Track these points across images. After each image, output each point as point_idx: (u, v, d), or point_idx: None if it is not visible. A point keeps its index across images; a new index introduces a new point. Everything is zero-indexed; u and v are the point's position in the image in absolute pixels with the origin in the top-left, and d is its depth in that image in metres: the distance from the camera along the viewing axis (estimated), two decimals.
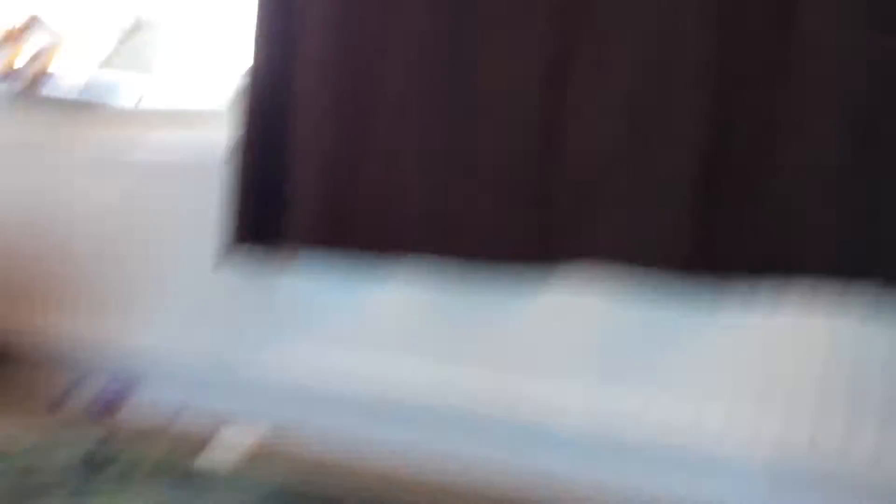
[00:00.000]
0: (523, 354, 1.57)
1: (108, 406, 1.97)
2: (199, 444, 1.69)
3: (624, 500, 1.48)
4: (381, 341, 1.70)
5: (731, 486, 1.41)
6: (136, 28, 2.20)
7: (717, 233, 1.37)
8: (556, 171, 1.50)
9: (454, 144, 1.58)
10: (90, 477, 1.50)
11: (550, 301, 1.55)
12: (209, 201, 1.84)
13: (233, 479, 1.53)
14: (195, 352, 1.89)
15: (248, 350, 1.83)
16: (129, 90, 2.13)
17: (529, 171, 1.52)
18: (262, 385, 1.83)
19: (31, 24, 2.29)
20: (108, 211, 1.98)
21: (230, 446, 1.66)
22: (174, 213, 1.91)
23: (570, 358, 1.53)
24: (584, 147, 1.48)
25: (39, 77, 2.22)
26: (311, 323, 1.77)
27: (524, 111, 1.52)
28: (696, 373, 1.42)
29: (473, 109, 1.56)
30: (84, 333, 2.01)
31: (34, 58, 2.23)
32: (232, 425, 1.81)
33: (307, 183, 1.68)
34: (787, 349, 1.36)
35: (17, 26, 2.30)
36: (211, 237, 1.85)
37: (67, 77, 2.23)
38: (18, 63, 2.28)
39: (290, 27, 1.72)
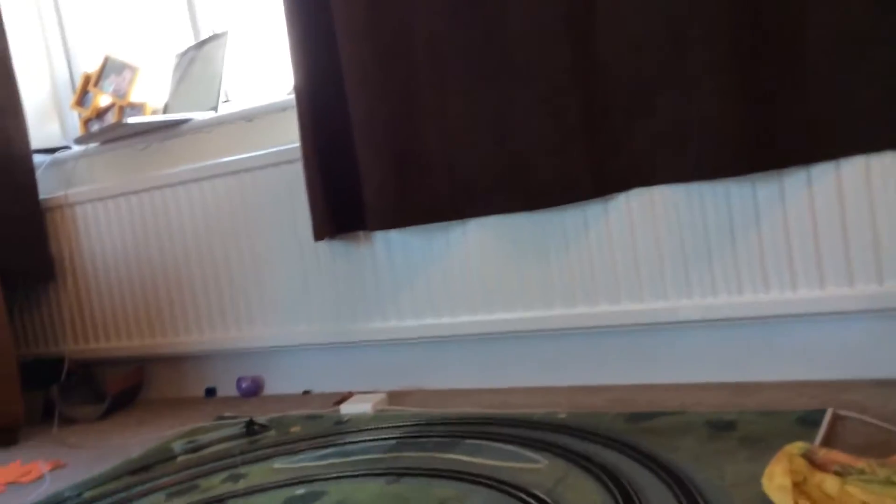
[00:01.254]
0: (602, 279, 1.71)
1: (248, 392, 2.22)
2: (335, 404, 1.91)
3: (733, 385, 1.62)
4: (465, 291, 1.86)
5: (834, 337, 1.53)
6: (202, 44, 2.38)
7: (768, 127, 1.48)
8: (597, 105, 1.62)
9: (496, 101, 1.71)
10: (254, 441, 1.74)
11: (619, 224, 1.68)
12: (297, 194, 2.02)
13: (375, 421, 1.74)
14: (308, 331, 2.09)
15: (355, 321, 2.02)
16: (206, 102, 2.32)
17: (570, 111, 1.63)
18: (371, 347, 2.03)
19: (106, 64, 2.51)
20: (208, 221, 2.19)
21: (362, 404, 1.86)
22: (265, 211, 2.10)
23: (651, 276, 1.66)
24: (620, 73, 1.59)
25: (123, 110, 2.45)
26: (401, 285, 1.95)
27: (556, 55, 1.63)
28: (776, 255, 1.54)
29: (508, 63, 1.68)
30: (215, 337, 2.24)
31: (115, 93, 2.45)
32: (360, 385, 2.02)
33: (372, 168, 1.83)
34: (857, 214, 1.46)
35: (95, 70, 2.52)
36: (303, 229, 2.04)
37: (148, 103, 2.45)
38: (103, 102, 2.51)
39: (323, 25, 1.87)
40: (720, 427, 1.37)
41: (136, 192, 2.28)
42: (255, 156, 2.10)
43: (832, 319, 1.52)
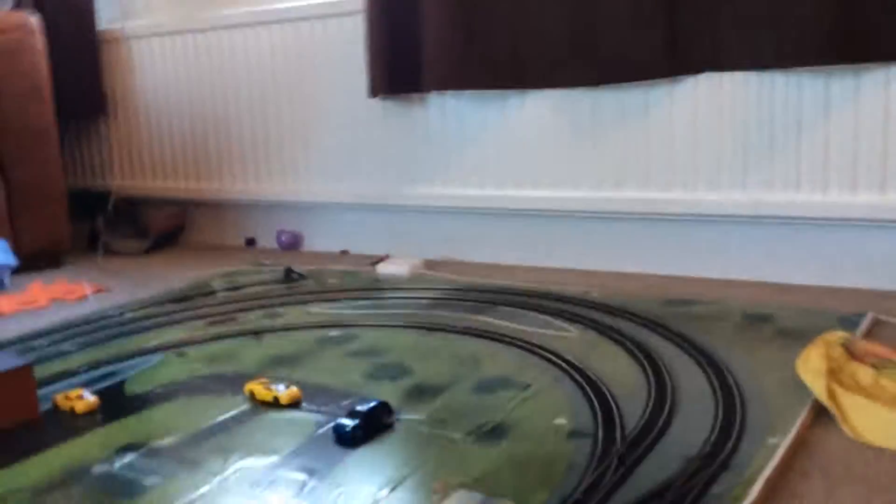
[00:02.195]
0: (657, 164, 1.67)
1: (287, 245, 2.25)
2: (372, 264, 1.93)
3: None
4: (516, 164, 1.84)
5: (885, 245, 1.51)
6: None
7: (851, 23, 1.40)
8: None
9: None
10: (291, 287, 1.77)
11: (682, 109, 1.63)
12: (354, 48, 1.99)
13: (411, 282, 1.76)
14: (353, 191, 2.10)
15: (400, 185, 2.02)
16: None
17: None
18: (417, 214, 2.03)
19: None
20: (264, 68, 2.17)
21: (399, 266, 1.88)
22: (321, 63, 2.08)
23: (708, 166, 1.62)
24: None
25: None
26: (454, 152, 1.93)
27: None
28: (841, 156, 1.49)
29: None
30: (257, 189, 2.26)
31: None
32: (396, 252, 2.04)
33: (436, 26, 1.79)
34: None
35: None
36: (357, 86, 2.01)
37: None
38: None
39: None
40: (757, 318, 1.37)
41: (193, 31, 2.26)
42: (318, 3, 2.05)
43: (889, 227, 1.48)
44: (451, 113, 1.91)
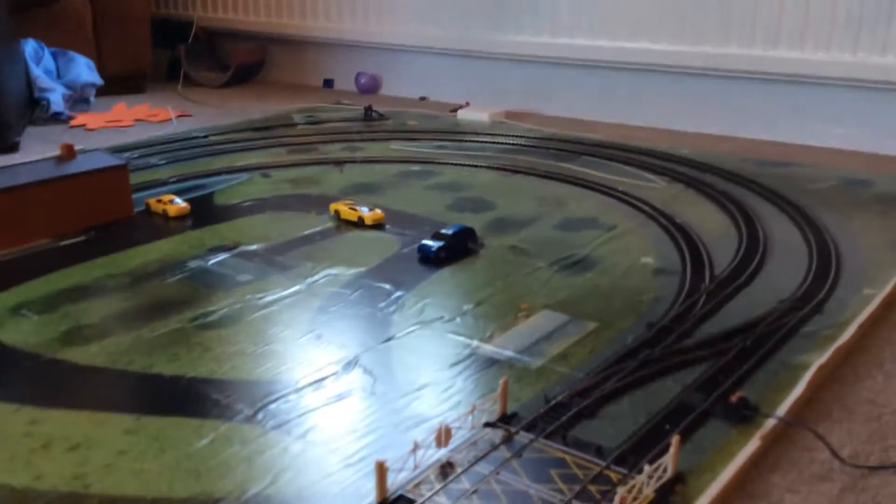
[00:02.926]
0: (764, 21, 1.58)
1: (366, 88, 2.22)
2: (452, 111, 1.90)
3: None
4: (612, 14, 1.76)
5: None
6: None
7: None
8: None
9: None
10: (371, 126, 1.76)
11: None
12: None
13: (492, 129, 1.73)
14: (436, 37, 2.04)
15: (486, 31, 1.95)
16: None
17: None
18: (500, 63, 1.97)
19: None
20: None
21: (480, 113, 1.85)
22: None
23: (819, 24, 1.52)
24: None
25: None
26: (546, 1, 1.85)
27: None
28: None
29: None
30: (338, 30, 2.22)
31: None
32: (477, 100, 2.00)
33: None
34: None
35: None
36: None
37: None
38: None
39: None
40: (854, 183, 1.31)
41: None
42: None
43: None
44: None
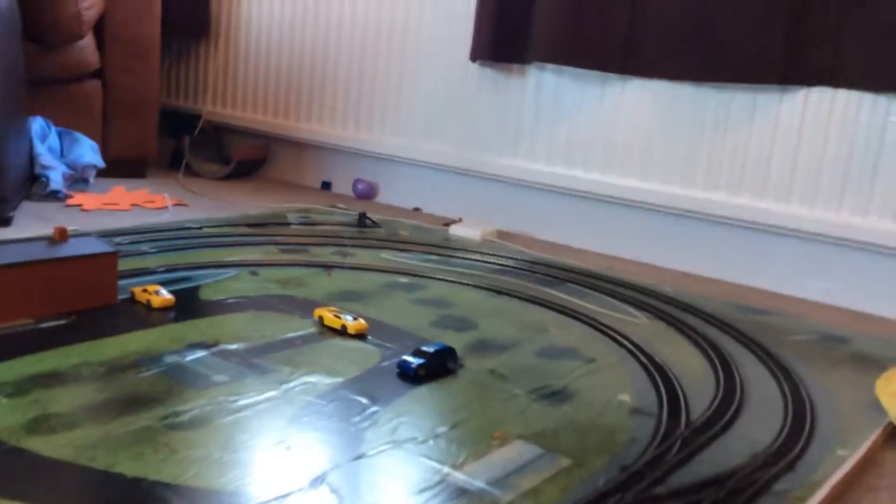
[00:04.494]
0: (752, 171, 1.64)
1: (362, 194, 2.27)
2: (445, 225, 1.93)
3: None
4: (606, 150, 1.82)
5: None
6: None
7: None
8: None
9: None
10: (363, 232, 1.79)
11: (788, 121, 1.59)
12: (461, 12, 1.98)
13: (482, 247, 1.76)
14: (436, 152, 2.10)
15: (485, 152, 2.01)
16: None
17: None
18: (496, 183, 2.02)
19: None
20: (369, 16, 2.18)
21: (472, 230, 1.88)
22: (426, 23, 2.08)
23: (805, 181, 1.58)
24: None
25: None
26: (544, 128, 1.92)
27: None
28: None
29: None
30: (340, 135, 2.28)
31: None
32: (469, 216, 2.04)
33: (551, 4, 1.77)
34: None
35: None
36: (458, 49, 2.01)
37: None
38: None
39: None
40: (833, 339, 1.33)
41: None
42: None
43: None
44: (548, 89, 1.90)
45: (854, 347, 1.29)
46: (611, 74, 1.78)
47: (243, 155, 2.39)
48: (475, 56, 1.92)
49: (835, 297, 1.59)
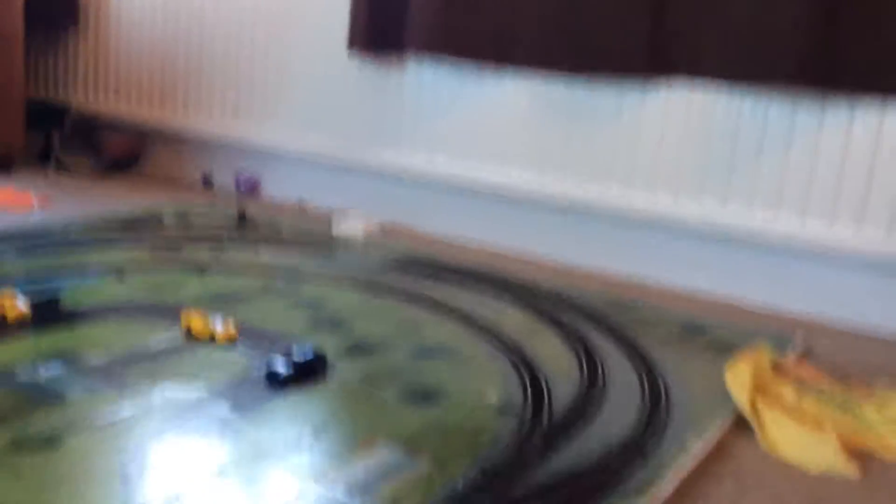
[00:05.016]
0: (622, 164, 1.70)
1: (245, 188, 2.22)
2: (328, 222, 1.92)
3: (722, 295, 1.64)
4: (485, 143, 1.85)
5: (829, 277, 1.55)
6: None
7: (825, 49, 1.44)
8: None
9: None
10: (243, 230, 1.75)
11: (653, 112, 1.65)
12: (340, 1, 1.96)
13: (366, 245, 1.76)
14: (318, 144, 2.08)
15: (367, 144, 2.01)
16: None
17: None
18: (379, 176, 2.02)
19: None
20: (245, 3, 2.13)
21: (355, 225, 1.88)
22: (305, 11, 2.05)
23: (668, 172, 1.65)
24: None
25: None
26: (425, 120, 1.93)
27: None
28: (795, 181, 1.53)
29: None
30: (220, 128, 2.23)
31: None
32: (353, 211, 2.03)
33: None
34: (890, 161, 1.45)
35: None
36: (336, 38, 1.99)
37: None
38: None
39: None
40: (693, 328, 1.40)
41: None
42: None
43: (835, 259, 1.53)
44: (428, 81, 1.91)
45: (712, 336, 1.36)
46: (487, 67, 1.80)
47: (117, 149, 2.30)
48: (353, 43, 1.90)
49: (702, 285, 1.66)
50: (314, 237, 1.78)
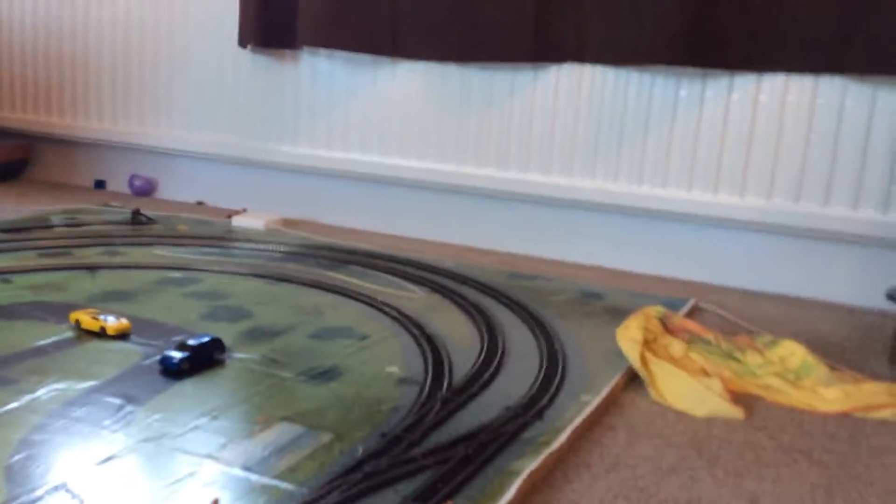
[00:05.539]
0: (516, 146, 1.73)
1: (140, 191, 2.16)
2: (228, 217, 1.89)
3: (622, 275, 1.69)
4: (382, 132, 1.86)
5: (716, 243, 1.62)
6: None
7: (702, 29, 1.50)
8: None
9: None
10: (137, 230, 1.71)
11: (544, 95, 1.69)
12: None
13: (265, 236, 1.74)
14: (215, 143, 2.04)
15: (264, 140, 1.98)
16: None
17: None
18: (278, 171, 2.00)
19: None
20: (131, 3, 2.07)
21: (255, 220, 1.85)
22: (194, 7, 2.01)
23: (562, 152, 1.69)
24: None
25: None
26: (321, 113, 1.92)
27: None
28: (680, 154, 1.60)
29: None
30: (112, 130, 2.16)
31: None
32: (255, 207, 2.01)
33: None
34: (766, 131, 1.53)
35: None
36: (227, 36, 1.96)
37: None
38: None
39: None
40: (590, 296, 1.44)
41: None
42: None
43: (719, 225, 1.60)
44: (322, 74, 1.90)
45: (608, 302, 1.40)
46: (381, 57, 1.81)
47: (1, 156, 2.21)
48: (243, 42, 1.88)
49: (597, 258, 1.71)
50: (213, 232, 1.75)
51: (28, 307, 1.19)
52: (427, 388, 0.98)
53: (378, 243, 1.77)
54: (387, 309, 1.29)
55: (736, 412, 0.98)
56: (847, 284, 1.52)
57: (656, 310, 1.19)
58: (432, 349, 1.12)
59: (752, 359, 1.11)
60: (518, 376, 1.04)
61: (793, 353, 1.12)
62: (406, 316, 1.26)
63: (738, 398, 1.02)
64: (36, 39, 2.21)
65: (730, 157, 1.56)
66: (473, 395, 0.97)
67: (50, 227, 1.70)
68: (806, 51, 1.46)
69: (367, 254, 1.64)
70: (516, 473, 0.78)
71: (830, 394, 1.03)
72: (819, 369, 1.08)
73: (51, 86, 2.22)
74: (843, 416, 1.01)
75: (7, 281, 1.30)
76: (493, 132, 1.75)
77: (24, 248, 1.51)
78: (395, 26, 1.75)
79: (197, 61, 2.02)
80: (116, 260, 1.48)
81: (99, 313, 1.12)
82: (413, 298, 1.36)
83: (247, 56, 1.95)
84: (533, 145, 1.72)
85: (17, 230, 1.64)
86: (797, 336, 1.21)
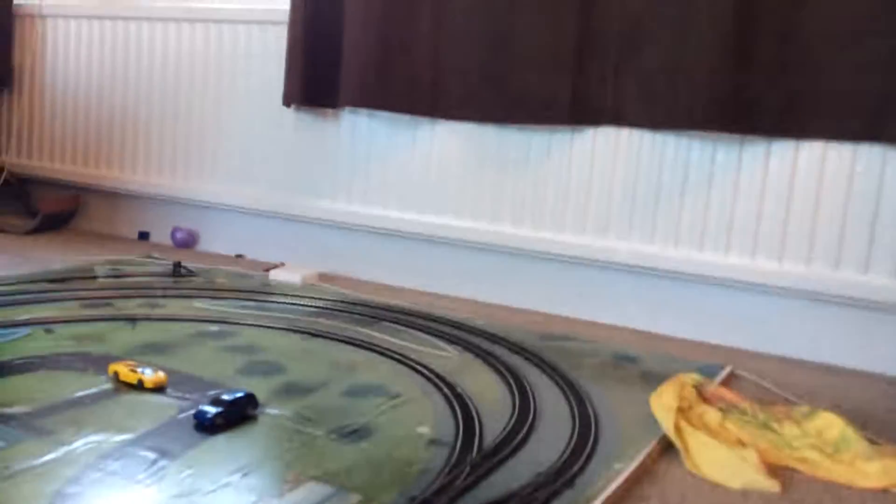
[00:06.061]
0: (552, 206, 1.74)
1: (182, 243, 2.21)
2: (266, 270, 1.92)
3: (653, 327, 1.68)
4: (420, 190, 1.88)
5: (754, 309, 1.60)
6: None
7: (739, 96, 1.51)
8: (593, 33, 1.64)
9: (494, 22, 1.72)
10: (178, 282, 1.74)
11: (581, 157, 1.71)
12: (273, 57, 2.00)
13: (301, 291, 1.76)
14: (255, 198, 2.09)
15: (304, 196, 2.02)
16: None
17: (569, 33, 1.65)
18: (316, 227, 2.04)
19: None
20: (179, 64, 2.15)
21: (292, 275, 1.88)
22: (239, 68, 2.08)
23: (598, 213, 1.70)
24: (614, 14, 1.61)
25: None
26: (360, 171, 1.96)
27: None
28: (717, 217, 1.59)
29: None
30: (156, 184, 2.23)
31: None
32: (293, 260, 2.04)
33: (358, 44, 1.82)
34: (804, 197, 1.52)
35: None
36: (271, 94, 2.02)
37: None
38: None
39: None
40: (624, 359, 1.43)
41: (112, 18, 2.23)
42: (243, 9, 2.06)
43: (757, 291, 1.58)
44: (362, 132, 1.94)
45: (642, 366, 1.39)
46: (420, 117, 1.84)
47: (50, 207, 2.28)
48: (288, 101, 1.93)
49: (632, 320, 1.70)
50: (251, 285, 1.78)
51: (70, 357, 1.21)
52: (457, 451, 0.98)
53: (412, 300, 1.78)
54: (419, 367, 1.30)
55: (772, 485, 0.96)
56: (888, 354, 1.49)
57: (692, 377, 1.18)
58: (463, 410, 1.12)
59: (790, 430, 1.08)
60: (549, 441, 1.03)
61: (831, 425, 1.09)
62: (438, 375, 1.26)
63: (775, 471, 1.00)
64: (89, 96, 2.29)
65: (768, 222, 1.55)
66: (504, 459, 0.96)
67: (94, 277, 1.74)
68: (844, 120, 1.46)
69: (401, 311, 1.65)
70: None
71: (870, 468, 1.00)
72: (858, 443, 1.06)
73: (100, 140, 2.30)
74: (884, 493, 0.98)
75: (50, 331, 1.33)
76: (530, 192, 1.77)
77: (68, 299, 1.54)
78: (436, 88, 1.79)
79: (241, 119, 2.08)
80: (156, 312, 1.51)
81: (137, 366, 1.14)
82: (445, 357, 1.36)
83: (290, 114, 2.00)
84: (569, 206, 1.73)
85: (62, 280, 1.69)
86: (836, 407, 1.19)
